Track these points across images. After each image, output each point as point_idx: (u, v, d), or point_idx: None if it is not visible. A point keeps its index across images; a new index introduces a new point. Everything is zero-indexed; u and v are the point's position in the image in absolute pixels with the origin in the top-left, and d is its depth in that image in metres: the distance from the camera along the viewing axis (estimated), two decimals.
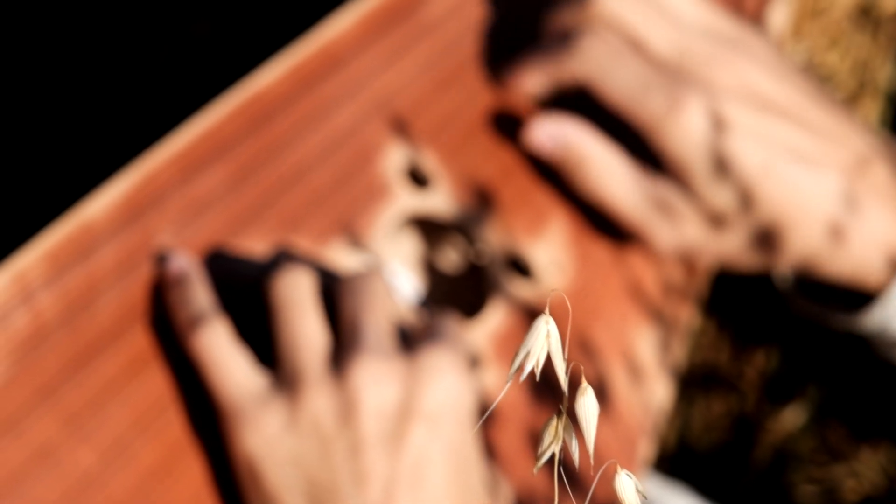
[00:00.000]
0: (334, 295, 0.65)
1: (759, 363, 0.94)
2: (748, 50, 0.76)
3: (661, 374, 0.79)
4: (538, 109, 0.80)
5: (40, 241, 0.63)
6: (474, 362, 0.72)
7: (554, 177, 0.80)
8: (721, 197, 0.75)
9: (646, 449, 0.77)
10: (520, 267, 0.77)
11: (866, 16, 0.98)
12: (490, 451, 0.71)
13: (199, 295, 0.64)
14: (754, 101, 0.75)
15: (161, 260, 0.65)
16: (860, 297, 0.79)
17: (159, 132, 0.70)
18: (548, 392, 0.74)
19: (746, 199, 0.75)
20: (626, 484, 0.32)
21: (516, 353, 0.31)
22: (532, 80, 0.77)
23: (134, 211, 0.66)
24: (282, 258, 0.67)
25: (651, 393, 0.78)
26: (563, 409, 0.32)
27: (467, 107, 0.79)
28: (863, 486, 0.92)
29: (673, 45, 0.75)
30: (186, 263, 0.65)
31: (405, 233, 0.77)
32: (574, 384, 0.33)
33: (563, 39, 0.76)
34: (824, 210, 0.75)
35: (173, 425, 0.63)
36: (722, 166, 0.74)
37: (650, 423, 0.77)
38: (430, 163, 0.76)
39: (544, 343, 0.32)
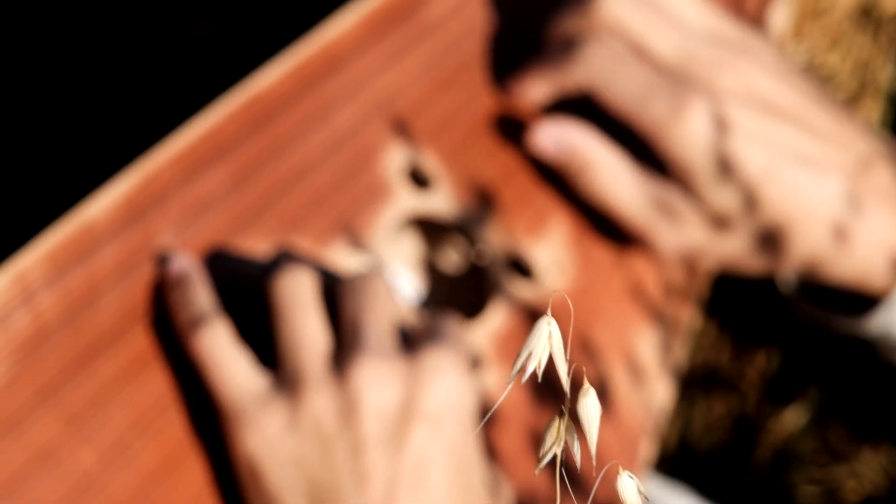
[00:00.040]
0: (335, 295, 0.65)
1: (760, 364, 0.94)
2: (751, 53, 0.76)
3: (662, 374, 0.79)
4: (542, 114, 0.80)
5: (41, 241, 0.63)
6: (475, 363, 0.72)
7: (555, 177, 0.80)
8: (725, 200, 0.75)
9: (647, 449, 0.77)
10: (521, 267, 0.77)
11: (867, 16, 0.98)
12: (491, 451, 0.71)
13: (200, 295, 0.64)
14: (758, 105, 0.75)
15: (162, 260, 0.65)
16: (864, 300, 0.79)
17: (160, 133, 0.70)
18: (549, 393, 0.74)
19: (750, 202, 0.75)
20: (628, 485, 0.32)
21: (518, 354, 0.31)
22: (536, 89, 0.78)
23: (135, 211, 0.66)
24: (283, 258, 0.67)
25: (652, 393, 0.78)
26: (565, 410, 0.32)
27: (468, 107, 0.79)
28: (864, 486, 0.92)
29: (676, 50, 0.75)
30: (187, 264, 0.65)
31: (406, 233, 0.76)
32: (576, 385, 0.33)
33: (567, 47, 0.76)
34: (828, 213, 0.75)
35: (174, 426, 0.63)
36: (725, 170, 0.74)
37: (651, 424, 0.77)
38: (431, 163, 0.76)
39: (546, 344, 0.32)
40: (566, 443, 0.32)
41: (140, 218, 0.66)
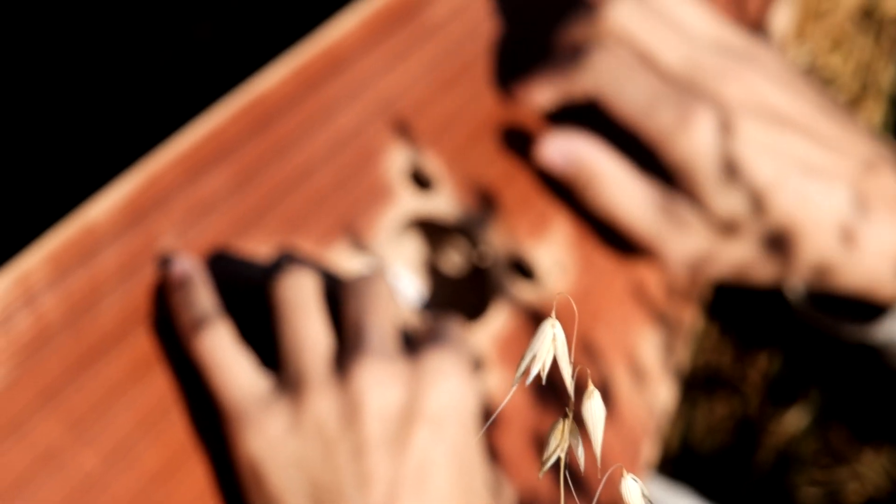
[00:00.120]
0: (338, 297, 0.65)
1: (761, 366, 0.94)
2: (757, 62, 0.76)
3: (665, 376, 0.79)
4: (548, 124, 0.80)
5: (43, 243, 0.63)
6: (477, 365, 0.72)
7: (556, 179, 0.80)
8: (731, 208, 0.75)
9: (649, 451, 0.77)
10: (523, 269, 0.77)
11: (869, 18, 0.98)
12: (493, 453, 0.71)
13: (203, 297, 0.64)
14: (765, 114, 0.75)
15: (164, 262, 0.65)
16: (871, 308, 0.79)
17: (162, 134, 0.70)
18: (550, 394, 0.74)
19: (757, 210, 0.75)
20: (631, 488, 0.32)
21: (522, 357, 0.31)
22: (543, 94, 0.78)
23: (137, 213, 0.66)
24: (285, 260, 0.67)
25: (654, 395, 0.78)
26: (569, 413, 0.32)
27: (470, 108, 0.79)
28: (865, 488, 0.92)
29: (683, 59, 0.75)
30: (189, 266, 0.65)
31: (408, 235, 0.76)
32: (580, 387, 0.33)
33: (574, 54, 0.76)
34: (836, 219, 0.75)
35: (176, 428, 0.63)
36: (732, 179, 0.74)
37: (653, 425, 0.77)
38: (433, 165, 0.76)
39: (550, 346, 0.32)
40: (570, 445, 0.32)
41: (142, 219, 0.66)
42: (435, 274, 0.77)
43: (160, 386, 0.64)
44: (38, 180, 0.96)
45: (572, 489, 0.33)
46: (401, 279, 0.75)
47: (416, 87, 0.78)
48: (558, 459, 0.32)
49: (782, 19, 0.93)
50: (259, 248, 0.69)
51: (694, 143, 0.74)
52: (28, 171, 0.97)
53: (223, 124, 0.70)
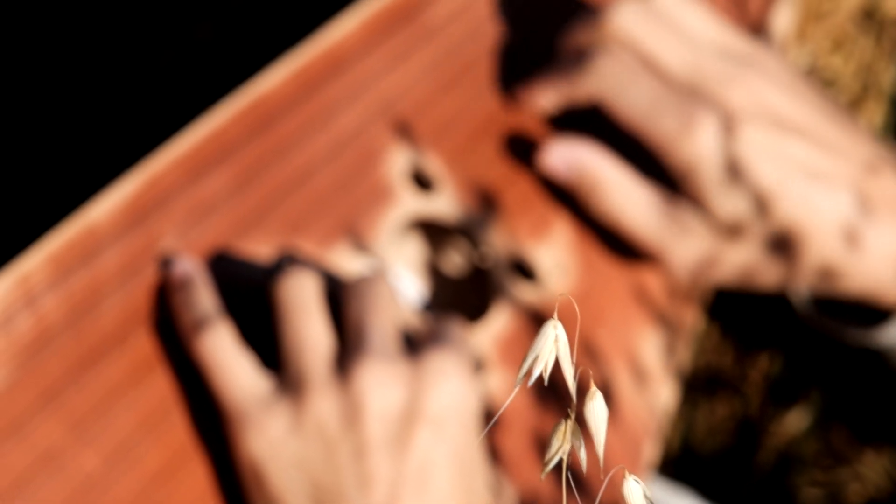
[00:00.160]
0: (339, 298, 0.65)
1: (762, 366, 0.94)
2: (761, 67, 0.76)
3: (666, 376, 0.79)
4: (551, 127, 0.80)
5: (44, 244, 0.63)
6: (478, 366, 0.72)
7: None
8: (736, 214, 0.75)
9: (650, 452, 0.77)
10: (524, 270, 0.77)
11: (870, 19, 0.98)
12: (493, 454, 0.71)
13: (204, 298, 0.64)
14: (768, 119, 0.75)
15: (165, 263, 0.65)
16: (875, 313, 0.79)
17: (163, 135, 0.70)
18: (551, 395, 0.74)
19: (761, 215, 0.75)
20: (634, 490, 0.32)
21: (525, 358, 0.31)
22: (546, 98, 0.78)
23: (138, 214, 0.66)
24: (286, 261, 0.67)
25: (655, 396, 0.78)
26: (572, 414, 0.32)
27: (471, 109, 0.79)
28: (867, 489, 0.92)
29: (686, 64, 0.75)
30: (190, 267, 0.65)
31: (409, 236, 0.76)
32: (581, 389, 0.33)
33: (578, 58, 0.77)
34: (840, 223, 0.75)
35: (177, 428, 0.63)
36: (736, 184, 0.74)
37: (654, 426, 0.77)
38: (434, 166, 0.76)
39: (553, 348, 0.32)
40: (572, 446, 0.32)
41: (143, 221, 0.66)
42: (436, 275, 0.77)
43: (161, 387, 0.64)
44: (38, 181, 0.96)
45: (574, 490, 0.33)
46: (402, 280, 0.75)
47: (417, 88, 0.78)
48: (560, 460, 0.32)
49: (783, 20, 0.93)
50: (260, 249, 0.69)
51: (697, 147, 0.74)
52: (29, 172, 0.97)
53: (224, 125, 0.70)
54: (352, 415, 0.60)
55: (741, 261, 0.77)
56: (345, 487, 0.60)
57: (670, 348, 0.80)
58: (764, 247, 0.76)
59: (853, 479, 0.92)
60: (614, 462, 0.74)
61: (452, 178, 0.76)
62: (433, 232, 0.77)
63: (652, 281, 0.80)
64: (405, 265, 0.76)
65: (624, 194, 0.77)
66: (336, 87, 0.74)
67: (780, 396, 0.94)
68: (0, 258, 0.63)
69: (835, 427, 0.93)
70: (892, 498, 0.91)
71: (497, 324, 0.74)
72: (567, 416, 0.32)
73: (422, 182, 0.76)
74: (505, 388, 0.73)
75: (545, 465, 0.32)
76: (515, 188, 0.78)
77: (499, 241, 0.76)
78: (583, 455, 0.32)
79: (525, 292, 0.76)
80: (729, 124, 0.74)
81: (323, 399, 0.61)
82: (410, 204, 0.75)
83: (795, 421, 0.93)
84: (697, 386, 0.94)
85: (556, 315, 0.32)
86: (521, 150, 0.80)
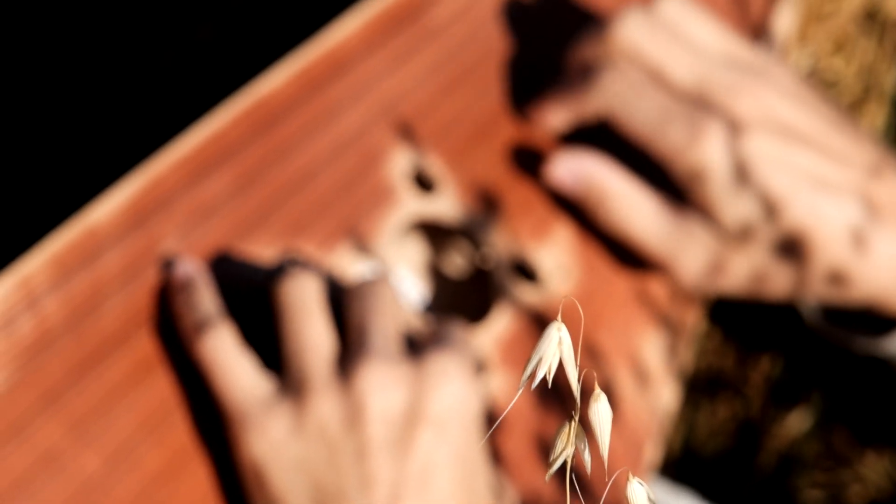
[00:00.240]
0: (341, 300, 0.65)
1: (764, 368, 0.94)
2: (768, 77, 0.76)
3: (668, 378, 0.79)
4: (560, 142, 0.80)
5: (45, 246, 0.63)
6: (480, 367, 0.72)
7: None
8: (744, 223, 0.75)
9: (652, 453, 0.77)
10: (525, 271, 0.77)
11: (872, 20, 0.98)
12: (495, 456, 0.70)
13: (205, 300, 0.64)
14: (776, 129, 0.75)
15: (167, 265, 0.65)
16: (883, 322, 0.80)
17: (164, 137, 0.70)
18: (553, 397, 0.73)
19: (769, 224, 0.75)
20: (637, 492, 0.32)
21: (528, 360, 0.31)
22: (555, 116, 0.78)
23: (139, 215, 0.66)
24: (288, 263, 0.67)
25: (657, 397, 0.78)
26: (576, 416, 0.32)
27: (473, 110, 0.79)
28: (868, 490, 0.92)
29: (693, 75, 0.76)
30: (192, 268, 0.65)
31: (410, 237, 0.76)
32: (585, 390, 0.33)
33: (584, 74, 0.77)
34: (847, 228, 0.75)
35: (178, 430, 0.63)
36: (744, 193, 0.74)
37: (656, 427, 0.77)
38: (436, 167, 0.76)
39: (556, 350, 0.32)
40: (576, 449, 0.32)
41: (144, 222, 0.66)
42: (437, 276, 0.77)
43: (162, 388, 0.64)
44: (40, 182, 0.96)
45: (578, 492, 0.33)
46: (403, 281, 0.75)
47: (419, 90, 0.77)
48: (564, 463, 0.32)
49: (785, 22, 0.93)
50: (262, 250, 0.69)
51: (705, 155, 0.74)
52: (30, 174, 0.97)
53: (226, 127, 0.70)
54: (353, 416, 0.60)
55: (749, 268, 0.77)
56: (346, 489, 0.60)
57: (672, 350, 0.80)
58: (772, 251, 0.76)
59: (854, 481, 0.92)
60: (616, 463, 0.74)
61: (454, 179, 0.76)
62: (435, 233, 0.77)
63: (654, 282, 0.80)
64: (406, 266, 0.76)
65: (631, 205, 0.77)
66: (338, 88, 0.74)
67: (782, 398, 0.94)
68: (1, 260, 0.63)
69: (836, 429, 0.93)
70: (893, 499, 0.91)
71: (498, 325, 0.74)
72: (571, 419, 0.32)
73: (423, 183, 0.76)
74: (506, 390, 0.73)
75: (549, 467, 0.32)
76: (517, 189, 0.78)
77: (500, 243, 0.76)
78: (587, 457, 0.32)
79: (527, 294, 0.76)
80: (736, 133, 0.74)
81: (324, 400, 0.61)
82: (412, 205, 0.75)
83: (796, 422, 0.93)
84: (699, 387, 0.94)
85: (559, 317, 0.32)
86: (523, 151, 0.80)
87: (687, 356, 0.81)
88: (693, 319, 0.81)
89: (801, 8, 0.96)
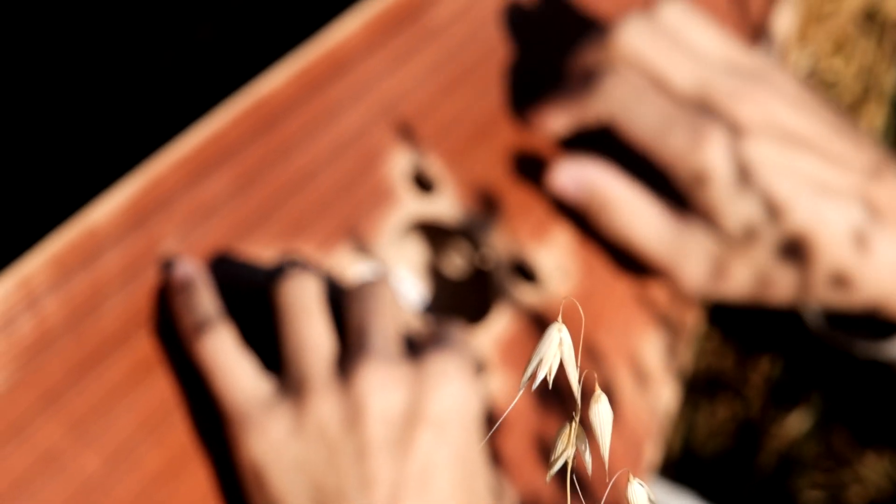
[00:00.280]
0: (341, 302, 0.65)
1: (764, 369, 0.94)
2: (769, 82, 0.76)
3: (668, 378, 0.79)
4: (559, 145, 0.80)
5: (45, 246, 0.63)
6: (480, 368, 0.72)
7: None
8: (746, 228, 0.75)
9: (651, 453, 0.77)
10: (525, 272, 0.77)
11: (871, 21, 0.98)
12: (494, 456, 0.70)
13: (205, 300, 0.64)
14: (778, 134, 0.75)
15: (166, 265, 0.65)
16: (885, 326, 0.80)
17: (164, 137, 0.70)
18: (553, 398, 0.73)
19: (771, 229, 0.75)
20: (638, 493, 0.32)
21: (529, 361, 0.31)
22: (557, 121, 0.78)
23: (139, 216, 0.66)
24: (288, 264, 0.67)
25: (657, 397, 0.78)
26: (576, 417, 0.32)
27: (473, 111, 0.79)
28: (867, 491, 0.92)
29: (695, 81, 0.76)
30: (192, 269, 0.65)
31: (410, 237, 0.76)
32: (585, 391, 0.33)
33: (586, 80, 0.77)
34: (850, 229, 0.75)
35: (178, 430, 0.63)
36: (747, 198, 0.74)
37: (656, 428, 0.77)
38: (436, 167, 0.76)
39: (557, 351, 0.32)
40: (577, 450, 0.32)
41: (144, 222, 0.66)
42: (437, 277, 0.77)
43: (162, 389, 0.63)
44: (39, 183, 0.96)
45: (579, 493, 0.33)
46: (403, 282, 0.75)
47: (419, 90, 0.77)
48: (565, 464, 0.32)
49: (784, 22, 0.93)
50: (262, 251, 0.69)
51: (707, 160, 0.74)
52: (30, 174, 0.96)
53: (225, 127, 0.70)
54: (353, 417, 0.60)
55: (752, 273, 0.77)
56: (346, 489, 0.60)
57: (671, 350, 0.80)
58: (775, 256, 0.76)
59: (854, 482, 0.92)
60: (615, 463, 0.74)
61: (454, 179, 0.76)
62: (434, 234, 0.77)
63: (653, 283, 0.80)
64: (406, 267, 0.76)
65: (633, 212, 0.77)
66: (338, 88, 0.74)
67: (781, 399, 0.94)
68: (1, 260, 0.63)
69: (836, 429, 0.93)
70: (893, 500, 0.91)
71: (498, 326, 0.74)
72: (571, 420, 0.32)
73: (423, 184, 0.76)
74: (506, 391, 0.73)
75: (549, 467, 0.32)
76: (517, 190, 0.78)
77: (500, 243, 0.76)
78: (588, 459, 0.32)
79: (526, 294, 0.76)
80: (738, 139, 0.74)
81: (324, 401, 0.61)
82: (412, 205, 0.75)
83: (796, 423, 0.93)
84: (698, 388, 0.94)
85: (560, 318, 0.32)
86: (523, 151, 0.80)
87: (686, 357, 0.81)
88: (693, 320, 0.81)
89: (801, 8, 0.96)
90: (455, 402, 0.61)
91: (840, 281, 0.76)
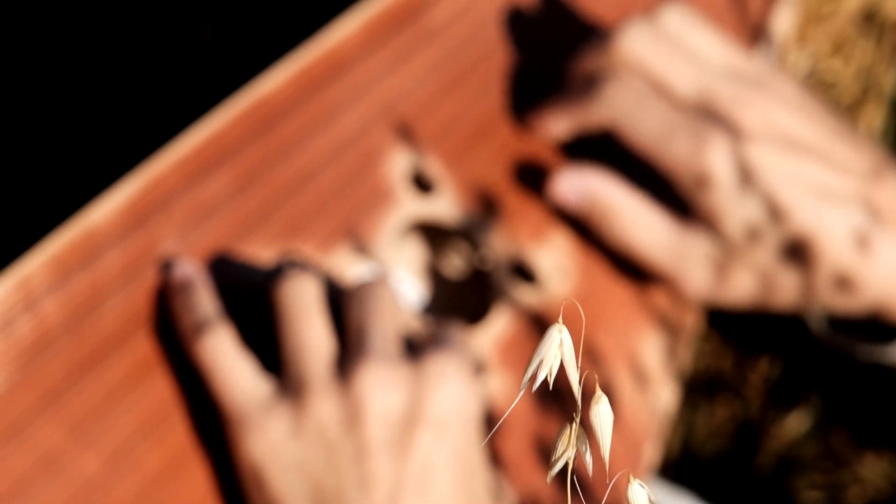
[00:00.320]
0: (341, 302, 0.65)
1: (762, 369, 0.94)
2: (771, 88, 0.76)
3: (667, 379, 0.79)
4: (562, 152, 0.80)
5: (44, 246, 0.63)
6: (479, 368, 0.72)
7: None
8: (749, 234, 0.75)
9: (650, 454, 0.77)
10: (524, 272, 0.77)
11: (870, 22, 0.98)
12: (494, 457, 0.70)
13: (204, 301, 0.64)
14: (779, 140, 0.75)
15: (166, 266, 0.65)
16: (889, 330, 0.80)
17: (164, 137, 0.70)
18: (552, 398, 0.73)
19: (774, 235, 0.75)
20: (638, 494, 0.32)
21: (529, 362, 0.31)
22: (558, 126, 0.78)
23: (138, 216, 0.66)
24: (287, 264, 0.67)
25: (656, 398, 0.78)
26: (577, 418, 0.32)
27: (471, 111, 0.79)
28: (867, 491, 0.92)
29: (697, 87, 0.76)
30: (191, 270, 0.65)
31: (409, 238, 0.76)
32: (587, 392, 0.33)
33: (588, 85, 0.77)
34: (851, 232, 0.75)
35: (178, 431, 0.63)
36: (749, 205, 0.74)
37: (655, 428, 0.77)
38: (435, 168, 0.76)
39: (557, 352, 0.32)
40: (577, 451, 0.32)
41: (143, 223, 0.66)
42: (436, 277, 0.77)
43: (161, 389, 0.63)
44: (39, 183, 0.96)
45: (580, 494, 0.33)
46: (402, 282, 0.75)
47: (418, 91, 0.77)
48: (566, 465, 0.32)
49: (783, 23, 0.93)
50: (261, 251, 0.69)
51: (710, 165, 0.74)
52: (29, 175, 0.96)
53: (225, 127, 0.70)
54: (352, 417, 0.60)
55: (756, 278, 0.77)
56: (346, 490, 0.60)
57: (671, 351, 0.80)
58: (778, 259, 0.76)
59: (853, 482, 0.92)
60: (615, 464, 0.74)
61: (453, 180, 0.76)
62: (433, 234, 0.77)
63: (652, 284, 0.80)
64: (405, 267, 0.76)
65: (635, 220, 0.77)
66: (337, 88, 0.74)
67: (780, 399, 0.94)
68: (1, 261, 0.63)
69: (835, 430, 0.93)
70: (893, 501, 0.91)
71: (497, 326, 0.74)
72: (572, 420, 0.32)
73: (422, 184, 0.76)
74: (505, 391, 0.73)
75: (550, 468, 0.32)
76: (516, 190, 0.78)
77: (499, 244, 0.76)
78: (588, 460, 0.32)
79: (525, 295, 0.76)
80: (741, 145, 0.74)
81: (324, 402, 0.61)
82: (411, 206, 0.75)
83: (795, 424, 0.93)
84: (697, 389, 0.94)
85: (560, 319, 0.32)
86: (522, 152, 0.80)
87: (686, 357, 0.81)
88: (692, 321, 0.81)
89: (800, 9, 0.96)
90: (454, 402, 0.61)
91: (843, 282, 0.76)
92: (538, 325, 0.76)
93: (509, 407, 0.72)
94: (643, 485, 0.32)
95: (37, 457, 0.59)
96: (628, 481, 0.32)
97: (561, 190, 0.77)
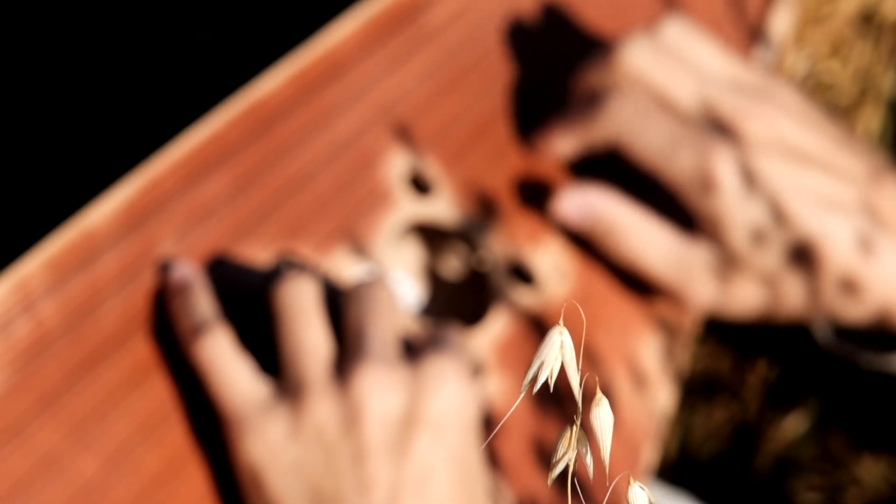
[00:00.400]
0: (339, 304, 0.65)
1: (760, 371, 0.94)
2: (775, 99, 0.76)
3: (665, 380, 0.79)
4: (568, 171, 0.80)
5: (42, 248, 0.63)
6: (477, 370, 0.72)
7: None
8: (757, 251, 0.75)
9: (649, 455, 0.77)
10: (522, 274, 0.77)
11: (868, 23, 0.98)
12: (492, 459, 0.70)
13: (202, 303, 0.64)
14: (783, 150, 0.75)
15: (164, 268, 0.65)
16: (891, 339, 0.80)
17: (161, 139, 0.70)
18: (550, 400, 0.73)
19: (780, 248, 0.75)
20: (638, 496, 0.32)
21: (530, 364, 0.31)
22: (563, 144, 0.78)
23: (136, 218, 0.65)
24: (285, 266, 0.67)
25: (654, 400, 0.78)
26: (577, 420, 0.32)
27: (469, 113, 0.79)
28: (864, 493, 0.92)
29: (700, 99, 0.76)
30: (189, 272, 0.65)
31: (407, 240, 0.76)
32: (587, 394, 0.33)
33: (591, 101, 0.77)
34: (854, 237, 0.75)
35: (176, 433, 0.63)
36: (753, 213, 0.74)
37: (653, 429, 0.77)
38: (432, 169, 0.76)
39: (558, 354, 0.32)
40: (578, 453, 0.32)
41: (141, 225, 0.66)
42: (434, 279, 0.77)
43: (159, 391, 0.63)
44: (37, 185, 0.96)
45: (581, 495, 0.33)
46: (400, 284, 0.75)
47: (416, 92, 0.77)
48: (566, 467, 0.32)
49: (781, 24, 0.93)
50: (259, 253, 0.69)
51: (714, 178, 0.74)
52: (27, 176, 0.96)
53: (222, 129, 0.70)
54: (351, 419, 0.60)
55: (761, 288, 0.77)
56: (344, 492, 0.60)
57: (669, 352, 0.80)
58: (783, 268, 0.76)
59: (851, 484, 0.92)
60: (613, 466, 0.74)
61: (451, 181, 0.76)
62: (431, 236, 0.77)
63: (657, 297, 0.80)
64: (403, 269, 0.76)
65: (638, 237, 0.77)
66: (334, 90, 0.74)
67: (778, 401, 0.94)
68: None
69: (833, 432, 0.93)
70: (890, 502, 0.91)
71: (495, 328, 0.74)
72: (572, 423, 0.32)
73: (420, 186, 0.76)
74: (504, 393, 0.73)
75: (550, 471, 0.32)
76: (514, 192, 0.78)
77: (497, 245, 0.76)
78: (589, 462, 0.32)
79: (523, 296, 0.76)
80: (745, 158, 0.74)
81: (322, 403, 0.61)
82: (409, 207, 0.75)
83: (793, 425, 0.93)
84: (695, 390, 0.94)
85: (561, 321, 0.32)
86: (521, 154, 0.80)
87: (684, 359, 0.81)
88: (690, 322, 0.81)
89: (798, 10, 0.97)
90: (453, 404, 0.61)
91: (848, 287, 0.76)
92: (536, 326, 0.76)
93: (507, 408, 0.72)
94: (643, 487, 0.32)
95: (36, 458, 0.59)
96: (628, 483, 0.32)
97: (563, 208, 0.77)
